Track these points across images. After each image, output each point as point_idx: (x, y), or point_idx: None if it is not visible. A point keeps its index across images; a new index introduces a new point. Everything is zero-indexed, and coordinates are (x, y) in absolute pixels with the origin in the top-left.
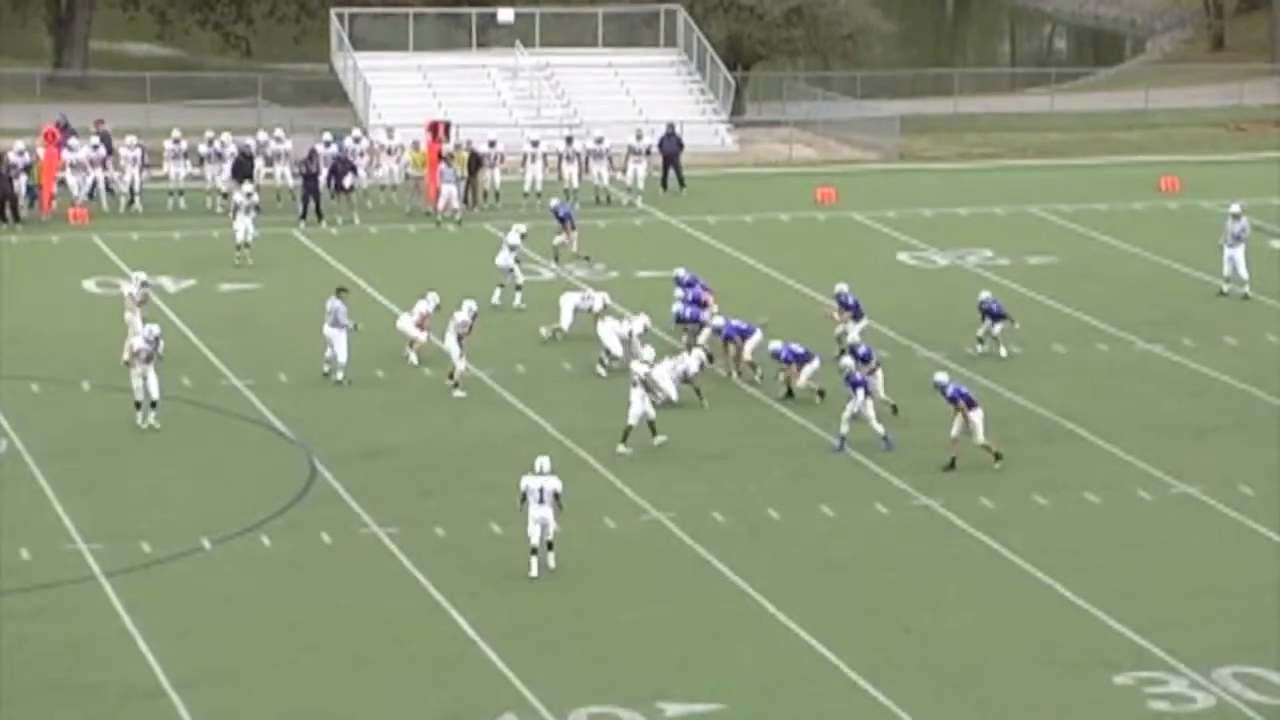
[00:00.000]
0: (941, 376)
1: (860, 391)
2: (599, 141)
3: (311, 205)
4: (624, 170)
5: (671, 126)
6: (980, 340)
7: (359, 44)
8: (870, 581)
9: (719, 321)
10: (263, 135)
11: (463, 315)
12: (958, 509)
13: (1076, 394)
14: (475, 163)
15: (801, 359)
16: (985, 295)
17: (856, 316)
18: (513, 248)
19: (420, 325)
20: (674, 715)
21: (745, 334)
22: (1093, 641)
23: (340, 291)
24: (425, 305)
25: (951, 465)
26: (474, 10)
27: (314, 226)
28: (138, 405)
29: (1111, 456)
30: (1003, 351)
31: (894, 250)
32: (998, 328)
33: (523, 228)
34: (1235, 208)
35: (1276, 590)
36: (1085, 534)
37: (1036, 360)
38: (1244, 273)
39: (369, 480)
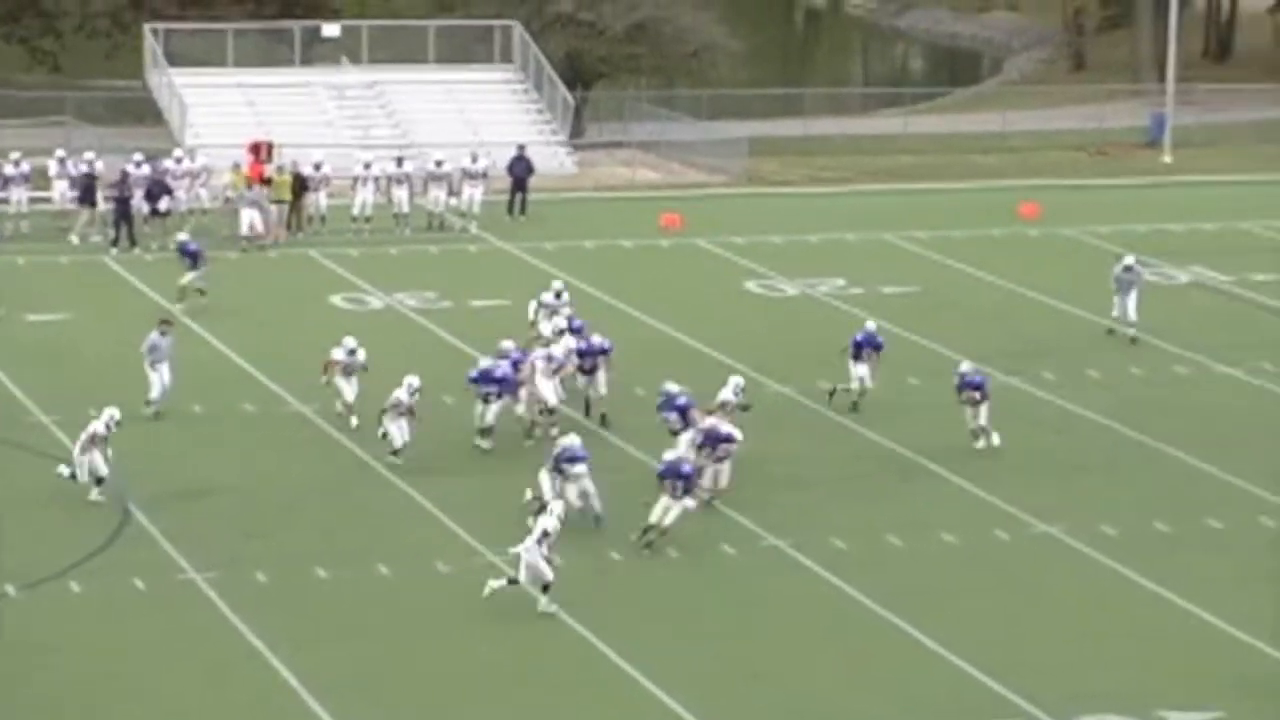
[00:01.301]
0: (670, 454)
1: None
2: (439, 164)
3: (124, 230)
4: (459, 194)
5: (522, 149)
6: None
7: (175, 60)
8: (716, 627)
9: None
10: (61, 153)
11: (400, 394)
12: (808, 550)
13: (934, 430)
14: (300, 186)
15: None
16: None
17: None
18: (543, 305)
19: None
20: None
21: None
22: (950, 688)
23: (164, 324)
24: (401, 393)
25: (647, 544)
26: (297, 24)
27: (126, 253)
28: (92, 480)
29: (970, 495)
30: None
31: (741, 279)
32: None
33: (559, 284)
34: (1128, 260)
35: (1138, 635)
36: (941, 576)
37: (892, 395)
38: (1134, 315)
39: (186, 522)
